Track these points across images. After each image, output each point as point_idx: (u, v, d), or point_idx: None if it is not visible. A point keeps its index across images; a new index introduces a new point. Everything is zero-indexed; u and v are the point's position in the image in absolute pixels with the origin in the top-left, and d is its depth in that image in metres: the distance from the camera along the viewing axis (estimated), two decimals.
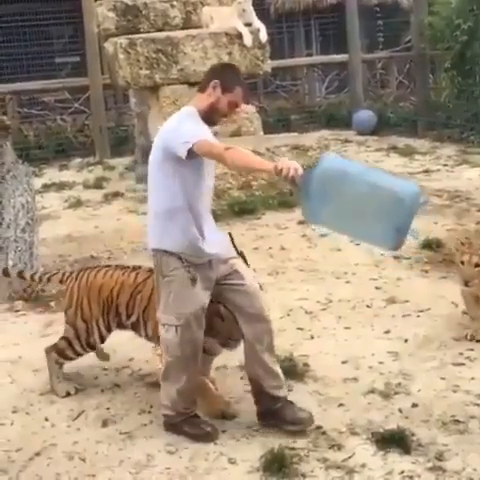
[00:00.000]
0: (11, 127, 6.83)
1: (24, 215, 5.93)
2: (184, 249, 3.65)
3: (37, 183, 8.26)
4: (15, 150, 6.59)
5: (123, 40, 8.97)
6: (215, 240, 3.74)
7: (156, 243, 3.75)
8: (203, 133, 3.56)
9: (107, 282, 4.24)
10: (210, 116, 3.69)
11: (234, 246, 3.86)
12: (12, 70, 12.43)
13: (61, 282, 4.47)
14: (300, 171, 3.25)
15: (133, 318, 4.17)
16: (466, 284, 4.60)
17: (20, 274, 4.82)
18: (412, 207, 3.32)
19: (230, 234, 3.91)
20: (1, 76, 12.09)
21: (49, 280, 4.56)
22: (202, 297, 3.70)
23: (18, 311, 5.68)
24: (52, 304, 5.74)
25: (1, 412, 4.22)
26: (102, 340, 4.34)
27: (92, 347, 4.38)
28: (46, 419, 4.12)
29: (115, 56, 9.00)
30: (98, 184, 9.51)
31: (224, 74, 3.72)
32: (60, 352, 4.35)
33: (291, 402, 3.90)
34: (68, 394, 4.31)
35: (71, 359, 4.39)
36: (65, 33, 13.60)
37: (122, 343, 4.97)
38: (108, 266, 4.50)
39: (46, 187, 9.46)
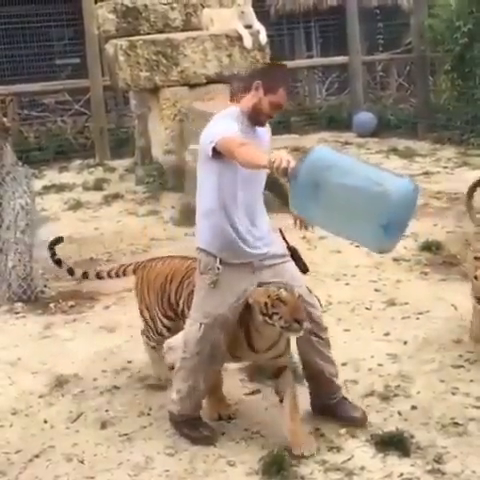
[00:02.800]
0: (11, 129, 6.84)
1: (24, 217, 5.94)
2: (218, 249, 3.64)
3: (37, 185, 8.26)
4: (15, 152, 6.59)
5: (123, 42, 8.99)
6: (258, 241, 3.69)
7: (197, 241, 3.75)
8: (228, 131, 3.51)
9: (162, 270, 4.21)
10: (254, 117, 3.67)
11: (286, 242, 3.80)
12: (12, 72, 12.42)
13: (134, 272, 4.43)
14: (292, 163, 3.21)
15: (181, 304, 4.08)
16: (478, 300, 4.48)
17: (98, 275, 4.71)
18: (401, 203, 3.14)
19: (281, 230, 3.87)
20: (1, 78, 12.08)
21: (124, 273, 4.51)
22: (232, 300, 3.65)
23: (18, 313, 5.68)
24: (51, 306, 5.75)
25: (0, 414, 4.22)
26: (167, 329, 4.25)
27: (162, 335, 4.31)
28: (45, 421, 4.13)
29: (115, 58, 9.02)
30: (98, 186, 9.52)
31: (267, 75, 3.68)
32: (146, 337, 4.38)
33: (346, 399, 3.93)
34: (166, 380, 4.28)
35: (155, 346, 4.38)
36: (65, 35, 13.59)
37: (121, 345, 4.98)
38: (172, 256, 4.42)
39: (46, 189, 9.47)
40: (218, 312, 3.64)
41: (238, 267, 3.66)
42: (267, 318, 3.55)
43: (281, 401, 3.78)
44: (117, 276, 4.58)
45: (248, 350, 3.73)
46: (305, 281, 3.84)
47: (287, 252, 3.76)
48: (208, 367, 3.76)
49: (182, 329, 3.98)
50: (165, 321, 4.21)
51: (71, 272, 4.75)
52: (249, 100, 3.65)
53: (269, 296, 3.54)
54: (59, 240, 4.81)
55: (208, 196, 3.65)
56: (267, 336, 3.67)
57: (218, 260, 3.64)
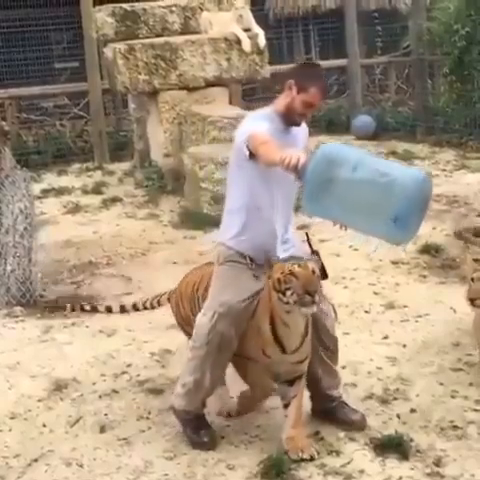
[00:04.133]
0: (10, 132, 6.84)
1: (23, 220, 5.93)
2: (249, 247, 3.66)
3: (36, 188, 8.25)
4: (14, 155, 6.60)
5: (122, 45, 9.00)
6: (285, 244, 3.71)
7: (219, 236, 3.77)
8: (256, 129, 3.51)
9: (191, 279, 4.18)
10: (288, 116, 3.68)
11: (310, 245, 3.80)
12: (11, 75, 12.42)
13: (168, 300, 4.45)
14: (303, 160, 3.23)
15: None
16: (472, 302, 4.44)
17: (134, 306, 4.90)
18: (410, 193, 3.10)
19: (307, 234, 3.87)
20: (0, 81, 12.09)
21: (159, 303, 4.53)
22: (247, 294, 3.65)
23: (17, 317, 5.67)
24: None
25: None
26: None
27: None
28: (44, 425, 4.12)
29: (114, 61, 9.02)
30: (97, 189, 9.51)
31: (300, 74, 3.69)
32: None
33: (345, 403, 3.93)
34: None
35: None
36: (64, 39, 13.60)
37: (120, 349, 4.98)
38: (200, 266, 4.35)
39: (45, 192, 9.45)
40: (233, 303, 3.63)
41: (260, 265, 3.66)
42: (281, 295, 3.52)
43: (285, 407, 3.77)
44: (152, 307, 4.63)
45: (277, 348, 3.65)
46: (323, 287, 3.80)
47: (308, 256, 3.74)
48: (216, 359, 3.72)
49: None
50: None
51: (109, 309, 5.33)
52: (282, 100, 3.67)
53: (282, 272, 3.52)
54: None
55: (235, 196, 3.67)
56: (293, 327, 3.61)
57: (248, 257, 3.65)
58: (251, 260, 3.68)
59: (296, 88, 3.61)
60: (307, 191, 3.27)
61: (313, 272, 3.55)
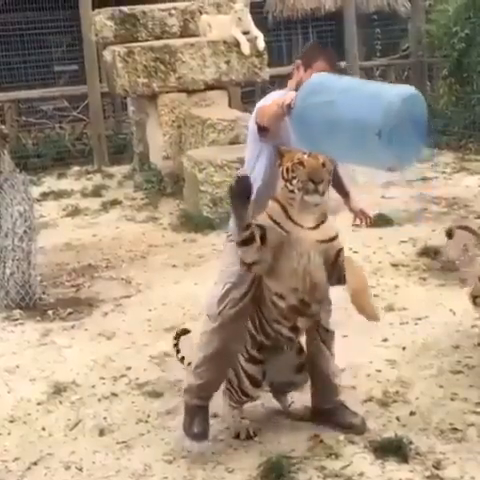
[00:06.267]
0: (9, 136, 6.84)
1: (22, 224, 5.93)
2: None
3: (35, 191, 8.26)
4: (13, 159, 6.60)
5: (121, 48, 9.00)
6: None
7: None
8: (263, 104, 3.57)
9: None
10: None
11: None
12: (11, 78, 12.44)
13: None
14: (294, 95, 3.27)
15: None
16: (474, 299, 4.45)
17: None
18: (397, 108, 2.96)
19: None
20: (0, 84, 12.11)
21: None
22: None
23: (16, 320, 5.66)
24: (50, 313, 5.74)
25: None
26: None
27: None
28: (43, 429, 4.11)
29: (113, 64, 9.03)
30: (96, 192, 9.51)
31: (305, 53, 3.81)
32: None
33: (344, 405, 3.93)
34: None
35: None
36: (63, 42, 13.61)
37: (119, 352, 4.97)
38: None
39: (44, 195, 9.45)
40: (242, 272, 3.59)
41: None
42: (288, 184, 3.51)
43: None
44: None
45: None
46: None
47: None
48: (229, 331, 3.64)
49: None
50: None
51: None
52: (293, 81, 3.73)
53: (292, 161, 3.51)
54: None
55: (256, 174, 3.64)
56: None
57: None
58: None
59: (303, 67, 3.69)
60: (295, 117, 3.22)
61: (323, 164, 3.51)
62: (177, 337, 4.37)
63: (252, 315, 3.73)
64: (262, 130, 3.55)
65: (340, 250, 3.64)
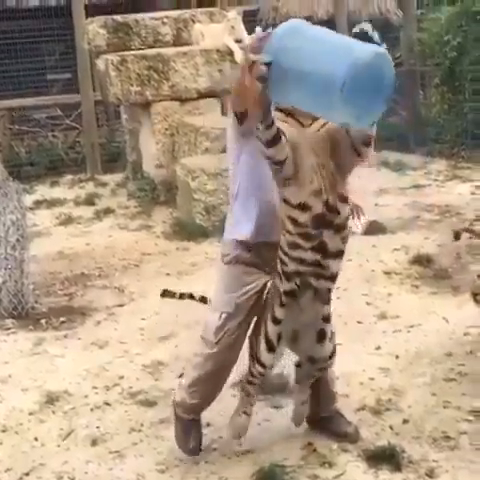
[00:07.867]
0: (2, 144, 6.84)
1: (14, 232, 5.92)
2: (255, 233, 3.51)
3: (28, 200, 8.23)
4: (6, 167, 6.62)
5: (114, 57, 9.01)
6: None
7: (231, 232, 3.65)
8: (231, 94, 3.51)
9: None
10: None
11: None
12: (3, 87, 12.42)
13: None
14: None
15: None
16: (475, 297, 4.45)
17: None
18: (362, 63, 2.89)
19: None
20: None
21: None
22: (255, 290, 3.56)
23: (8, 329, 5.65)
24: (42, 322, 5.73)
25: None
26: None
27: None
28: (35, 439, 4.09)
29: (106, 73, 9.04)
30: (89, 200, 9.50)
31: None
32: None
33: (339, 413, 3.91)
34: None
35: None
36: (56, 50, 13.62)
37: (112, 361, 4.96)
38: None
39: (37, 204, 9.43)
40: (239, 301, 3.56)
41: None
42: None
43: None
44: None
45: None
46: None
47: None
48: (225, 357, 3.63)
49: None
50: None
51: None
52: None
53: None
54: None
55: (240, 177, 3.53)
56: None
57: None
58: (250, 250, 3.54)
59: None
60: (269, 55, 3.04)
61: None
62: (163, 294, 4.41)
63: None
64: (241, 117, 3.38)
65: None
